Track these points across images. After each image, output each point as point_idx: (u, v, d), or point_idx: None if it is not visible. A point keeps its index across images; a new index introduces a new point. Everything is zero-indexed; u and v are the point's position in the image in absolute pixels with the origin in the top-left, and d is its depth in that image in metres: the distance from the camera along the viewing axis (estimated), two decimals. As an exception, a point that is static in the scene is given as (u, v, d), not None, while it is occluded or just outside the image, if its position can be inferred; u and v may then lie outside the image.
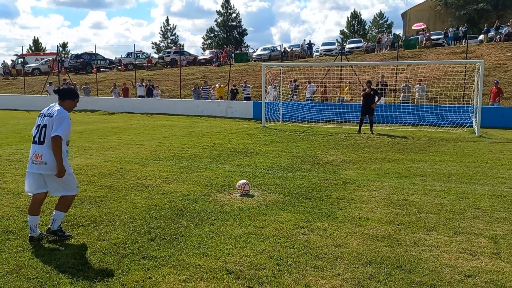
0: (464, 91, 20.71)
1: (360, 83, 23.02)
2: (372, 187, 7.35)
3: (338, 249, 4.64)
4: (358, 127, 15.68)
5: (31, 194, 4.91)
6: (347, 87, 22.66)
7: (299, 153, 10.85)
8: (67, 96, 4.92)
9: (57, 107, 4.80)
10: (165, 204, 6.27)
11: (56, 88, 5.14)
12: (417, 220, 5.63)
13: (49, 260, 4.30)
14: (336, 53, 34.26)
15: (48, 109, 4.84)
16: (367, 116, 15.36)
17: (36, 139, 4.76)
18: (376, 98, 15.33)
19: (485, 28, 35.67)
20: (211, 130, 15.96)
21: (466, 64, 21.26)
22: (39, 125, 4.77)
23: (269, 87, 22.07)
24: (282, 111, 19.67)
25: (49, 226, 4.94)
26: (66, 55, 60.40)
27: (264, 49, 41.02)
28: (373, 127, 15.55)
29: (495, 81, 19.62)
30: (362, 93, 15.80)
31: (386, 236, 5.03)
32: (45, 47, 73.56)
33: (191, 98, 25.48)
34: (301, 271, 4.11)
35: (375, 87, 17.54)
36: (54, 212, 4.94)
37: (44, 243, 4.73)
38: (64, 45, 74.77)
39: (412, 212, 5.98)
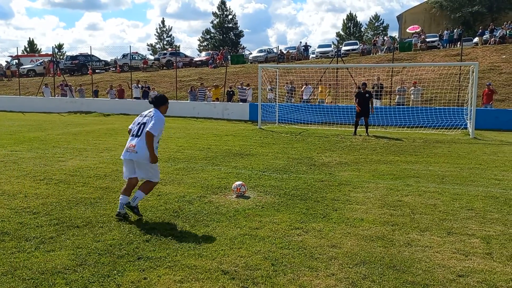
0: (458, 93, 20.86)
1: (356, 84, 23.13)
2: (367, 189, 7.40)
3: (332, 250, 4.68)
4: (353, 129, 15.75)
5: (126, 179, 5.78)
6: (328, 90, 22.84)
7: (295, 155, 10.89)
8: (161, 103, 5.78)
9: (156, 111, 5.66)
10: (160, 205, 6.28)
11: (150, 100, 5.89)
12: (411, 221, 5.68)
13: (44, 261, 4.31)
14: (332, 55, 34.40)
15: (148, 112, 5.72)
16: (363, 118, 15.43)
17: (134, 133, 5.67)
18: (371, 100, 15.39)
19: (480, 30, 35.92)
20: (207, 131, 15.98)
21: (460, 67, 21.41)
22: (140, 123, 5.67)
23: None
24: (278, 113, 19.72)
25: (129, 201, 5.63)
26: (61, 57, 60.30)
27: (261, 51, 41.12)
28: (368, 129, 15.61)
29: (487, 83, 19.76)
30: (354, 95, 15.87)
31: (380, 237, 5.07)
32: (40, 49, 73.45)
33: (187, 100, 25.50)
34: (296, 271, 4.14)
35: (370, 89, 17.59)
36: (137, 191, 5.70)
37: (39, 244, 4.74)
38: (59, 47, 74.68)
39: (406, 213, 6.02)
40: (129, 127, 5.88)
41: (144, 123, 5.59)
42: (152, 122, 5.47)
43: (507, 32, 33.38)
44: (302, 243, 4.87)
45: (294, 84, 23.06)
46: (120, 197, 5.67)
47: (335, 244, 4.85)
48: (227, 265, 4.28)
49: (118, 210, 5.65)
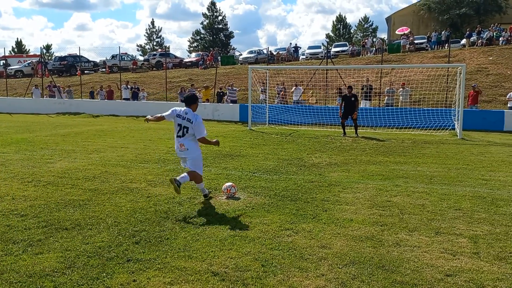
0: (446, 94, 21.09)
1: (345, 86, 23.25)
2: (356, 189, 7.45)
3: (322, 250, 4.70)
4: (342, 130, 15.84)
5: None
6: (311, 91, 23.01)
7: (285, 156, 10.92)
8: (193, 102, 6.63)
9: (191, 113, 6.48)
10: (150, 207, 6.26)
11: (183, 98, 6.76)
12: (400, 221, 5.73)
13: (32, 264, 4.27)
14: (322, 56, 34.55)
15: (185, 113, 6.46)
16: (350, 118, 15.51)
17: (180, 134, 6.52)
18: (356, 104, 15.60)
19: (467, 32, 36.36)
20: (197, 133, 15.92)
21: (448, 68, 21.66)
22: (180, 125, 6.47)
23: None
24: (269, 114, 19.75)
25: (176, 178, 6.39)
26: (49, 57, 59.75)
27: (251, 52, 41.18)
28: (357, 130, 15.71)
29: (472, 85, 19.99)
30: (340, 97, 16.01)
31: (370, 237, 5.11)
32: (28, 49, 72.76)
33: (177, 101, 25.43)
34: (286, 272, 4.16)
35: (356, 93, 17.71)
36: (186, 173, 6.56)
37: (27, 247, 4.69)
38: (47, 47, 74.06)
39: (395, 213, 6.07)
40: (164, 115, 6.68)
41: (186, 127, 6.42)
42: (199, 128, 6.40)
43: (494, 34, 33.85)
44: (292, 244, 4.88)
45: (285, 85, 23.11)
46: (198, 186, 6.70)
47: (325, 244, 4.87)
48: (217, 266, 4.28)
49: (202, 194, 6.73)
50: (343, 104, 15.63)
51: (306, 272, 4.18)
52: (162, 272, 4.13)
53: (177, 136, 6.58)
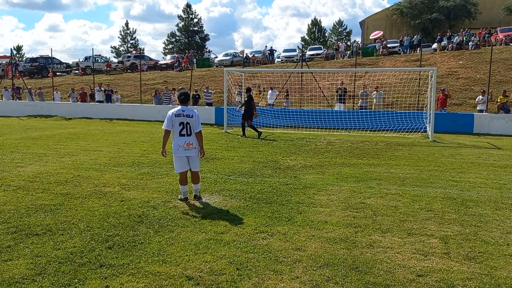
0: (418, 97, 21.53)
1: (321, 89, 23.50)
2: (331, 191, 7.52)
3: (297, 253, 4.73)
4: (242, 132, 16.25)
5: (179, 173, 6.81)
6: (261, 94, 23.40)
7: (261, 159, 10.94)
8: (188, 99, 6.90)
9: (188, 108, 6.72)
10: (124, 211, 6.18)
11: (178, 97, 6.93)
12: (373, 222, 5.82)
13: (1, 271, 4.15)
14: (297, 59, 34.77)
15: (182, 111, 6.63)
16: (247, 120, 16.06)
17: (184, 132, 6.62)
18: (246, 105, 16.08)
19: (438, 37, 37.25)
20: (172, 135, 15.79)
21: (420, 72, 22.11)
22: (182, 123, 6.58)
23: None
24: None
25: (194, 194, 6.90)
26: (20, 59, 58.27)
27: (226, 55, 41.11)
28: (245, 132, 16.03)
29: (441, 89, 20.49)
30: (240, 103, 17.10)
31: (344, 239, 5.17)
32: (-2, 50, 70.71)
33: (152, 104, 25.16)
34: (261, 275, 4.17)
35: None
36: (193, 185, 6.92)
37: (-5, 253, 4.56)
38: (18, 48, 72.16)
39: (369, 215, 6.17)
40: (166, 128, 6.65)
41: (188, 123, 6.59)
42: (197, 121, 6.64)
43: (464, 38, 34.78)
44: (267, 246, 4.90)
45: (261, 88, 23.18)
46: (182, 187, 6.80)
47: (299, 247, 4.90)
48: (192, 270, 4.25)
49: (182, 197, 6.81)
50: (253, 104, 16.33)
51: (281, 275, 4.20)
52: (135, 277, 4.08)
53: (181, 135, 6.64)
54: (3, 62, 40.66)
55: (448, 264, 4.50)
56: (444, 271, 4.32)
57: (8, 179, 8.08)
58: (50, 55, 37.06)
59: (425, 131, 17.23)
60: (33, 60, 39.88)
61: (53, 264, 4.35)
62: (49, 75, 35.19)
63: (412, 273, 4.26)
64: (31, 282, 3.95)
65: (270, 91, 23.03)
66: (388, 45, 36.91)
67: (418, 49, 33.87)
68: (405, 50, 37.12)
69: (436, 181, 8.51)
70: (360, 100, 21.64)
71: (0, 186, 7.49)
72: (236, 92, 21.63)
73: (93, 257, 4.53)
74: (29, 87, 28.75)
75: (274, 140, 15.09)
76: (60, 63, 41.51)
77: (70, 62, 42.95)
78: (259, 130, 16.07)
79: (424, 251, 4.84)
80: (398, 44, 38.28)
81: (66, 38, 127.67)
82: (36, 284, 3.91)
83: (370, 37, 43.78)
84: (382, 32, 42.55)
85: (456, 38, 35.16)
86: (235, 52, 41.99)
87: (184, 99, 6.80)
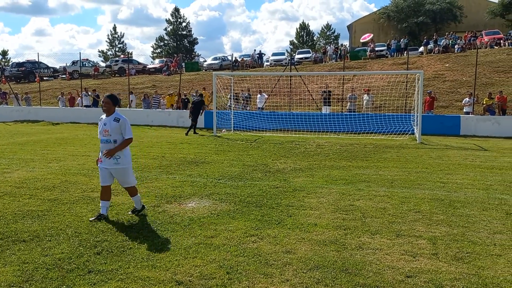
0: (405, 100, 21.73)
1: (309, 92, 23.60)
2: (320, 194, 7.55)
3: (287, 256, 4.73)
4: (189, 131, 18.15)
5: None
6: (210, 97, 23.91)
7: (250, 162, 10.95)
8: (117, 103, 6.26)
9: (119, 115, 6.09)
10: (112, 216, 6.12)
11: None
12: (362, 224, 5.85)
13: (-13, 279, 4.09)
14: (286, 63, 34.91)
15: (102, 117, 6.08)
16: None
17: (104, 140, 6.02)
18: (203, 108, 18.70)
19: (425, 40, 37.67)
20: (161, 139, 15.75)
21: (407, 75, 22.34)
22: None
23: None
24: (234, 120, 19.76)
25: (132, 209, 6.32)
26: (6, 63, 57.61)
27: (215, 59, 41.13)
28: (189, 132, 18.06)
29: (428, 91, 20.73)
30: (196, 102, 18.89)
31: (333, 241, 5.19)
32: (-17, 55, 69.84)
33: (141, 108, 25.04)
34: (251, 279, 4.16)
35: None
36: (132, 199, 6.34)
37: (-19, 261, 4.49)
38: (4, 53, 71.33)
39: (358, 217, 6.20)
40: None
41: (107, 130, 5.96)
42: (126, 127, 6.06)
43: (450, 42, 35.23)
44: (257, 250, 4.89)
45: (251, 91, 23.18)
46: (101, 202, 6.08)
47: (289, 250, 4.91)
48: (182, 275, 4.23)
49: (96, 215, 6.02)
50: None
51: (271, 278, 4.20)
52: (125, 283, 4.05)
53: (102, 143, 6.09)
54: (-11, 67, 40.21)
55: (436, 264, 4.54)
56: (432, 271, 4.36)
57: (-6, 185, 7.96)
58: (37, 60, 36.66)
59: (413, 133, 17.40)
60: (19, 64, 39.49)
61: (40, 270, 4.29)
62: (36, 80, 34.85)
63: (401, 274, 4.29)
64: (18, 289, 3.90)
65: (259, 95, 23.06)
66: (376, 49, 37.23)
67: (405, 52, 34.19)
68: (392, 54, 37.47)
69: (424, 182, 8.58)
70: (349, 103, 21.78)
71: (-14, 193, 7.39)
72: (228, 96, 21.66)
73: (82, 263, 4.49)
74: (16, 92, 28.45)
75: (263, 143, 15.10)
76: (47, 67, 41.15)
77: (57, 67, 42.61)
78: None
79: (412, 252, 4.87)
80: (385, 48, 38.63)
81: (53, 42, 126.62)
82: (23, 291, 3.86)
83: (361, 40, 44.14)
84: (372, 35, 42.94)
85: (442, 41, 35.60)
86: (224, 56, 42.01)
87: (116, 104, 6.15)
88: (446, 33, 38.50)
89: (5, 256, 4.64)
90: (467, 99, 20.52)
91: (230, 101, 20.62)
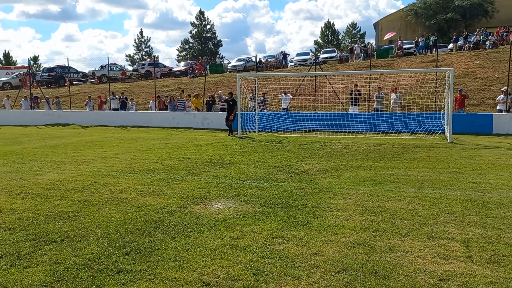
0: (435, 98, 21.24)
1: (335, 92, 23.36)
2: (347, 195, 7.43)
3: (314, 258, 4.67)
4: (228, 132, 18.08)
5: None
6: (194, 99, 24.41)
7: (275, 163, 10.90)
8: None
9: None
10: (140, 217, 6.19)
11: None
12: (392, 226, 5.72)
13: (21, 278, 4.18)
14: (311, 63, 34.70)
15: None
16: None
17: None
18: (234, 108, 18.09)
19: (454, 37, 36.78)
20: (187, 141, 15.88)
21: (436, 73, 21.82)
22: None
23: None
24: (258, 122, 19.74)
25: None
26: (37, 69, 59.35)
27: (239, 60, 41.28)
28: (232, 133, 18.00)
29: (458, 89, 20.18)
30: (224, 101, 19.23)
31: (362, 243, 5.09)
32: (16, 61, 72.24)
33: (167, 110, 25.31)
34: (278, 281, 4.11)
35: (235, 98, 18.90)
36: None
37: (15, 260, 4.60)
38: (35, 58, 73.65)
39: (387, 218, 6.06)
40: None
41: None
42: None
43: (481, 38, 34.27)
44: (283, 251, 4.84)
45: (267, 95, 22.99)
46: None
47: (316, 251, 4.84)
48: (208, 276, 4.22)
49: None
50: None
51: (298, 280, 4.14)
52: (152, 283, 4.07)
53: None
54: (22, 72, 41.50)
55: (470, 268, 4.38)
56: (466, 275, 4.21)
57: (27, 187, 8.18)
58: (66, 65, 37.60)
59: (443, 133, 16.98)
60: (50, 70, 40.62)
61: (71, 270, 4.36)
62: (66, 84, 35.75)
63: (433, 278, 4.16)
64: (49, 289, 3.97)
65: (283, 95, 22.96)
66: (403, 46, 36.58)
67: (434, 49, 33.47)
68: (421, 51, 36.74)
69: (455, 183, 8.34)
70: (375, 103, 21.44)
71: (19, 194, 7.59)
72: (249, 98, 21.63)
73: (111, 263, 4.54)
74: (47, 96, 29.24)
75: (288, 144, 15.03)
76: (77, 72, 42.19)
77: (86, 71, 43.63)
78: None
79: (445, 254, 4.73)
80: (413, 45, 37.91)
81: (82, 48, 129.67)
82: (54, 291, 3.93)
83: (384, 38, 43.51)
84: (395, 33, 42.26)
85: (472, 37, 34.67)
86: (248, 57, 42.10)
87: None
88: (477, 29, 37.44)
89: (37, 256, 4.74)
90: (501, 96, 19.88)
91: (254, 102, 20.61)
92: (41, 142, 15.79)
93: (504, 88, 20.38)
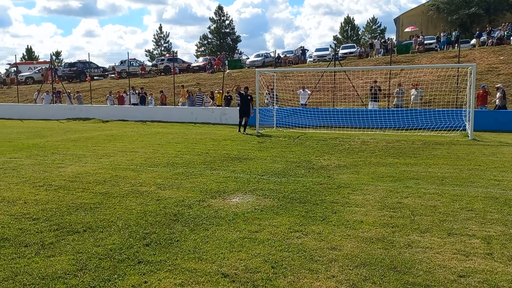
0: (457, 95, 20.89)
1: (354, 88, 23.17)
2: (366, 191, 7.40)
3: (332, 252, 4.67)
4: (238, 128, 17.65)
5: None
6: (182, 95, 24.83)
7: (293, 158, 10.90)
8: None
9: None
10: (160, 210, 6.28)
11: None
12: (411, 222, 5.67)
13: (45, 267, 4.30)
14: (330, 58, 34.46)
15: None
16: (244, 118, 17.43)
17: None
18: (252, 104, 17.68)
19: (477, 32, 36.05)
20: (205, 136, 15.99)
21: (458, 68, 21.44)
22: None
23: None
24: (276, 117, 19.74)
25: None
26: (59, 64, 60.37)
27: (258, 56, 41.23)
28: (246, 129, 17.32)
29: (481, 86, 19.79)
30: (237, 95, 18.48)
31: (380, 239, 5.07)
32: (38, 56, 73.60)
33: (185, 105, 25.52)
34: (296, 274, 4.14)
35: (251, 93, 18.88)
36: None
37: (39, 249, 4.73)
38: (57, 54, 74.87)
39: (406, 214, 6.02)
40: None
41: None
42: None
43: (505, 33, 33.50)
44: (301, 245, 4.86)
45: (283, 91, 22.91)
46: None
47: (335, 246, 4.84)
48: (227, 268, 4.27)
49: None
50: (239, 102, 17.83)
51: (317, 273, 4.15)
52: (172, 274, 4.14)
53: None
54: (44, 67, 42.30)
55: (491, 265, 4.33)
56: (487, 272, 4.16)
57: (50, 179, 8.37)
58: (87, 60, 38.20)
59: (464, 129, 16.71)
60: (71, 65, 41.33)
61: (93, 260, 4.46)
62: (86, 79, 36.31)
63: (453, 274, 4.13)
64: (73, 277, 4.07)
65: (301, 91, 22.88)
66: (424, 42, 36.02)
67: (456, 45, 32.86)
68: (442, 47, 36.13)
69: (476, 180, 8.22)
70: (396, 99, 21.21)
71: (42, 186, 7.78)
72: (265, 93, 21.60)
73: (132, 253, 4.63)
74: (68, 91, 29.76)
75: (306, 140, 15.00)
76: (97, 67, 42.79)
77: (107, 66, 44.24)
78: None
79: (465, 251, 4.68)
80: (434, 41, 37.30)
81: (102, 43, 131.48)
82: (78, 279, 4.03)
83: (405, 31, 42.93)
84: (416, 27, 41.67)
85: (496, 32, 33.92)
86: (266, 53, 42.03)
87: None
88: (502, 24, 36.59)
89: (61, 246, 4.86)
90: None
91: (270, 98, 20.59)
92: (63, 136, 16.10)
93: None
